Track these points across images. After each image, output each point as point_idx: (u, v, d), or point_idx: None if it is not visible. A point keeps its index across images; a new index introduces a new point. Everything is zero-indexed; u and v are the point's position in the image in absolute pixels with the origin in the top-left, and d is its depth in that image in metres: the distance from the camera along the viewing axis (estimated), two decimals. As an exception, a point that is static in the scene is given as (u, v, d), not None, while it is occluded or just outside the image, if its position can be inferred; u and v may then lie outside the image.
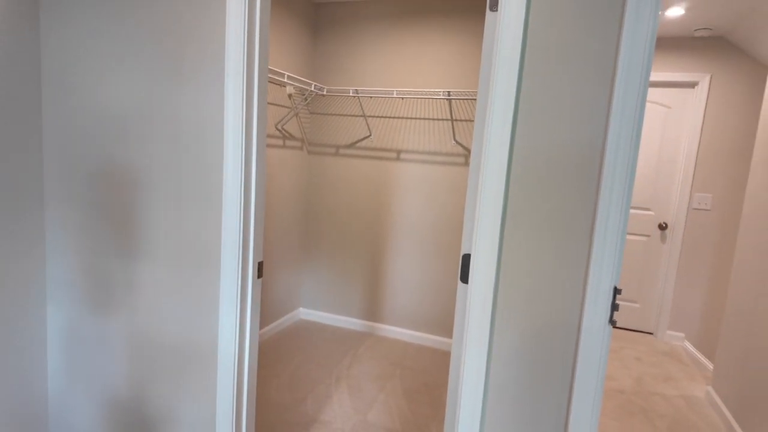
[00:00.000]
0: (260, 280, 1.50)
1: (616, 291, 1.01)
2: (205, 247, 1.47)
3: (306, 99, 3.22)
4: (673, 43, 3.39)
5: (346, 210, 3.36)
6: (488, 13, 1.15)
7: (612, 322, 1.01)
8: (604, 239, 1.00)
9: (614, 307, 1.01)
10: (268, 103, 2.86)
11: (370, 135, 3.21)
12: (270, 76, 2.69)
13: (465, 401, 1.19)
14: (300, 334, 3.25)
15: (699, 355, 3.25)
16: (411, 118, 3.12)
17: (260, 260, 1.48)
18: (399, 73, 3.12)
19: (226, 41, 1.35)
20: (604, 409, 2.52)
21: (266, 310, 3.14)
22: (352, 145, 3.28)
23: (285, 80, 2.70)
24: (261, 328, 3.10)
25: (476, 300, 1.14)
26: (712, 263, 3.43)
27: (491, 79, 1.08)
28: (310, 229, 3.47)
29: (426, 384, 2.66)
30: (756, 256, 2.34)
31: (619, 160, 0.98)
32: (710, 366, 3.09)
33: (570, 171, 1.04)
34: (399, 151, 3.17)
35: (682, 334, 3.56)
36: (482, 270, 1.13)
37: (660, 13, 2.87)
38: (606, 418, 2.44)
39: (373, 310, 3.39)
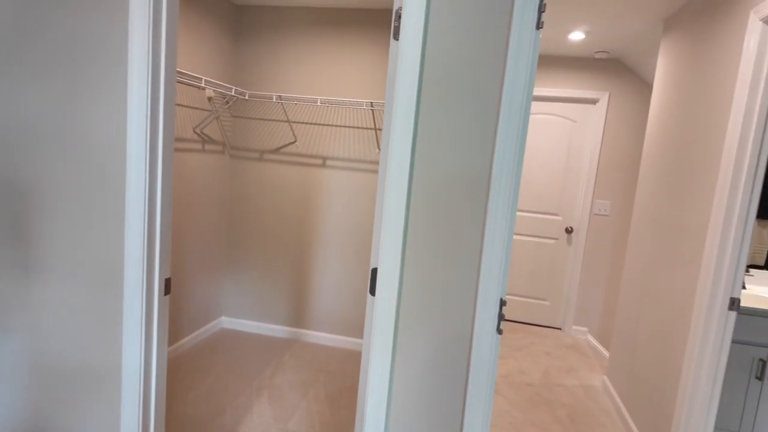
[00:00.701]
0: (167, 297, 1.46)
1: (502, 303, 1.11)
2: (108, 263, 1.40)
3: (228, 102, 3.14)
4: (577, 63, 3.70)
5: (270, 216, 3.32)
6: (392, 42, 1.21)
7: (499, 330, 1.11)
8: (491, 256, 1.10)
9: (501, 317, 1.11)
10: (186, 107, 2.77)
11: (295, 141, 3.20)
12: (185, 79, 2.60)
13: (371, 407, 1.25)
14: (222, 343, 3.17)
15: (600, 347, 3.59)
16: (336, 126, 3.15)
17: (167, 276, 1.45)
18: (323, 81, 3.14)
19: (129, 43, 1.30)
20: (514, 402, 2.71)
21: (185, 320, 3.03)
22: (276, 151, 3.25)
23: (202, 84, 2.63)
24: (179, 339, 2.98)
25: (381, 312, 1.21)
26: (610, 263, 3.80)
27: (393, 106, 1.14)
28: (233, 235, 3.39)
29: (349, 387, 2.71)
30: (641, 257, 2.63)
31: (502, 186, 1.08)
32: (608, 357, 3.43)
33: (462, 194, 1.13)
34: (325, 158, 3.19)
35: (585, 329, 3.90)
36: (387, 284, 1.20)
37: (566, 36, 3.14)
38: (515, 410, 2.63)
39: (298, 317, 3.38)
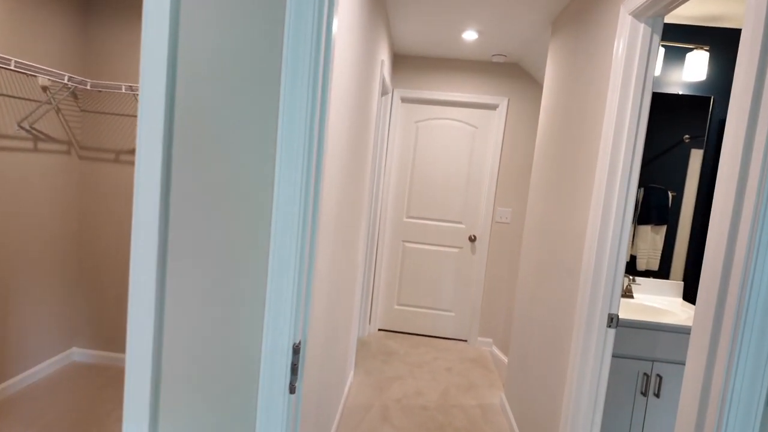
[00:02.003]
0: None
1: (296, 350, 0.82)
2: None
3: (73, 94, 2.65)
4: (476, 67, 3.59)
5: (130, 226, 2.84)
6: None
7: (291, 389, 0.82)
8: (279, 288, 0.81)
9: (294, 370, 0.82)
10: (10, 97, 2.26)
11: (160, 141, 2.76)
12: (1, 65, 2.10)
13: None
14: (69, 379, 2.64)
15: (504, 359, 3.46)
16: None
17: None
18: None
19: None
20: (405, 429, 2.47)
21: (15, 354, 2.47)
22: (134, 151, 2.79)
23: (28, 71, 2.14)
24: (6, 378, 2.42)
25: (134, 376, 0.87)
26: (511, 272, 3.71)
27: (143, 107, 0.82)
28: (84, 250, 2.86)
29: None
30: (532, 266, 2.50)
31: (289, 198, 0.80)
32: (507, 373, 3.31)
33: (238, 211, 0.84)
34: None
35: (490, 340, 3.78)
36: (139, 335, 0.87)
37: (460, 36, 2.99)
38: (404, 440, 2.38)
39: (167, 344, 2.92)
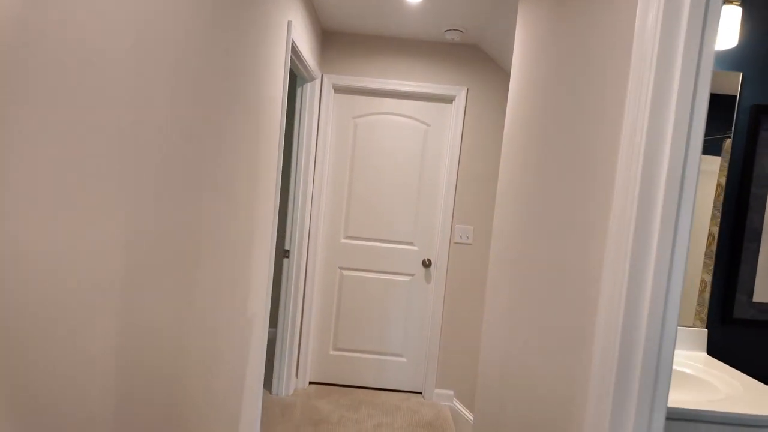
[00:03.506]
0: None
1: None
2: None
3: None
4: (427, 48, 2.87)
5: None
6: None
7: None
8: None
9: None
10: None
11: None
12: None
13: None
14: None
15: (469, 417, 2.70)
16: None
17: None
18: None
19: None
20: None
21: None
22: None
23: None
24: None
25: None
26: (475, 304, 2.97)
27: None
28: None
29: None
30: (503, 301, 1.74)
31: None
32: None
33: None
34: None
35: (451, 392, 3.01)
36: None
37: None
38: None
39: None
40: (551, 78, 1.48)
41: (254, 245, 1.75)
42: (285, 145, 3.72)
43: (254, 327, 1.89)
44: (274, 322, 3.74)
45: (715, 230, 1.70)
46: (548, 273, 1.36)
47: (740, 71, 1.69)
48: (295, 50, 2.19)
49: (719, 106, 1.69)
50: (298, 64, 2.43)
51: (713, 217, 1.70)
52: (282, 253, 3.74)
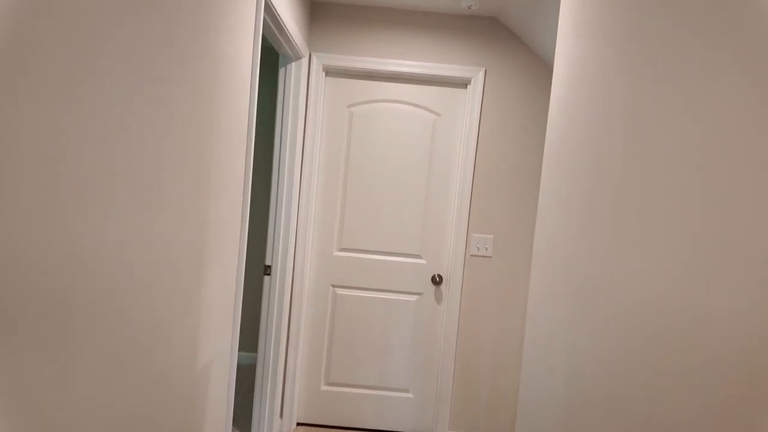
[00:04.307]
0: None
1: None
2: None
3: None
4: (437, 22, 2.39)
5: None
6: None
7: None
8: None
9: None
10: None
11: None
12: None
13: None
14: None
15: (487, 471, 2.19)
16: None
17: None
18: None
19: None
20: None
21: None
22: None
23: None
24: None
25: None
26: (499, 329, 2.47)
27: None
28: None
29: None
30: (547, 321, 1.25)
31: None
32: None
33: None
34: None
35: (466, 434, 2.50)
36: None
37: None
38: None
39: None
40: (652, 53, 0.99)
41: (207, 265, 1.26)
42: (266, 138, 3.23)
43: (212, 375, 1.40)
44: (254, 345, 3.23)
45: None
46: (654, 319, 0.86)
47: None
48: (272, 14, 1.71)
49: None
50: (279, 36, 1.94)
51: None
52: (262, 270, 3.24)
